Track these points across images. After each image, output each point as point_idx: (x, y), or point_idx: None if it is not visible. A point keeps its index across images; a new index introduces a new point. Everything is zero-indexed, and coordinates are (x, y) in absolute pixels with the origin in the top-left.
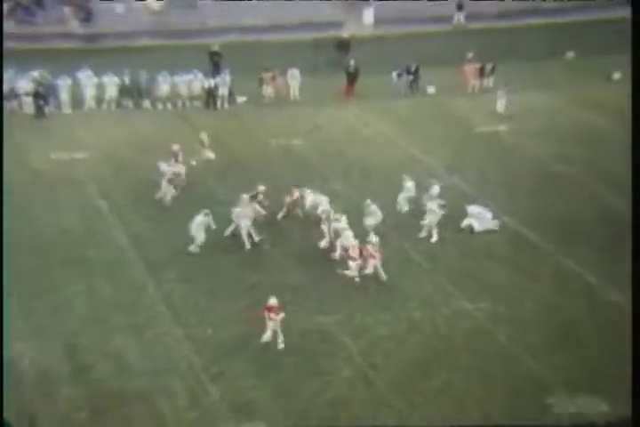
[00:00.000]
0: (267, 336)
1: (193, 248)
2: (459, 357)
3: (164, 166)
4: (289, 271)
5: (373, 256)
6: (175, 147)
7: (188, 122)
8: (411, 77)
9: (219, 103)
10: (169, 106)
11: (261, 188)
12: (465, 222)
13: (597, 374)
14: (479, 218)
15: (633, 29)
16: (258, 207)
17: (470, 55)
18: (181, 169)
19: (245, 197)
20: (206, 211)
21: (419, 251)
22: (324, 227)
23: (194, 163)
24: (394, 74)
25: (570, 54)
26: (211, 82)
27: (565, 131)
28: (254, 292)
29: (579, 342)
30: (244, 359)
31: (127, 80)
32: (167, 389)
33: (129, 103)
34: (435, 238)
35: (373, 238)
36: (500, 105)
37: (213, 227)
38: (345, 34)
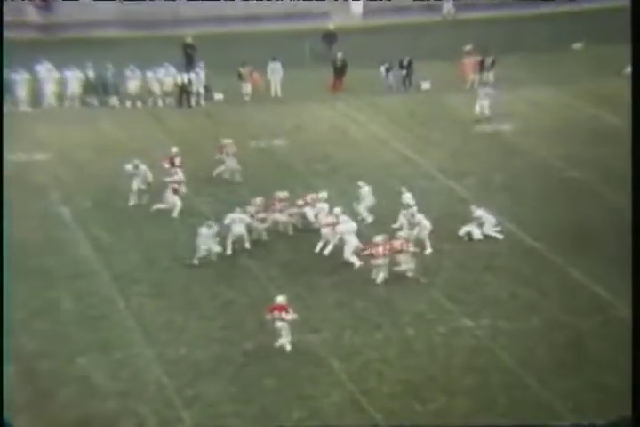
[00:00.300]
0: (281, 340)
1: (209, 253)
2: (458, 379)
3: (129, 169)
4: (269, 285)
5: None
6: (174, 150)
7: (159, 121)
8: (403, 72)
9: (193, 101)
10: (138, 104)
11: (258, 200)
12: (464, 229)
13: (609, 397)
14: (482, 223)
15: (632, 24)
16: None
17: (469, 47)
18: (181, 176)
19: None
20: (209, 222)
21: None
22: (327, 231)
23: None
24: (382, 68)
25: (577, 45)
26: (184, 77)
27: (574, 130)
28: (232, 308)
29: (589, 362)
30: (221, 382)
31: (91, 75)
32: (136, 414)
33: (93, 100)
34: (429, 250)
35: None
36: (480, 106)
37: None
38: (331, 25)
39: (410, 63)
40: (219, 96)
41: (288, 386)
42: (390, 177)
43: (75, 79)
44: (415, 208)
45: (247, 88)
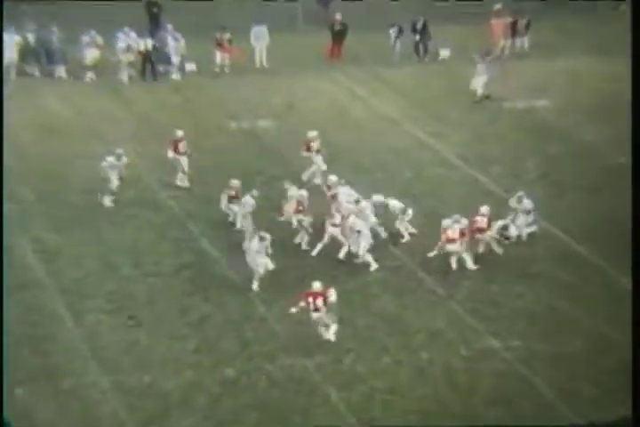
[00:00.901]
0: (323, 333)
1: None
2: (481, 412)
3: (111, 162)
4: (254, 298)
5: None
6: (179, 133)
7: (117, 97)
8: (417, 37)
9: (161, 69)
10: (92, 75)
11: (235, 182)
12: (498, 224)
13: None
14: (520, 215)
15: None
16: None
17: (498, 6)
18: (185, 162)
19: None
20: (262, 233)
21: (429, 271)
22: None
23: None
24: (391, 33)
25: (624, 7)
26: (147, 42)
27: (623, 107)
28: (208, 325)
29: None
30: (193, 417)
31: (32, 39)
32: None
33: (34, 70)
34: (454, 266)
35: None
36: (477, 82)
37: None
38: None
39: (425, 26)
40: (191, 67)
41: (275, 421)
42: (401, 166)
43: (11, 44)
44: (410, 213)
45: (224, 59)
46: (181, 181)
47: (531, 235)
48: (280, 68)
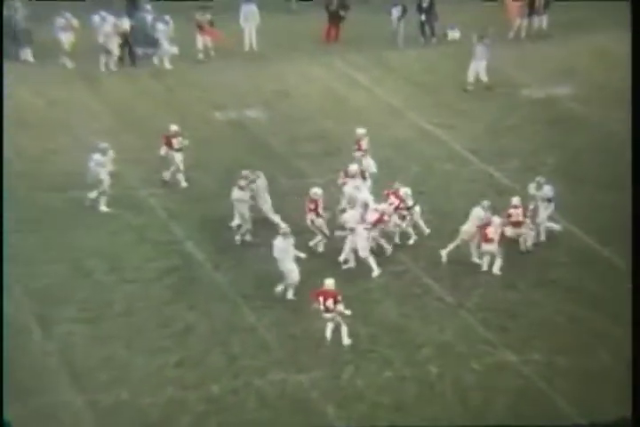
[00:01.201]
0: (328, 334)
1: (290, 294)
2: None
3: (98, 159)
4: (242, 306)
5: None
6: (173, 128)
7: (90, 84)
8: (422, 17)
9: (140, 53)
10: (68, 61)
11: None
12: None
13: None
14: (540, 205)
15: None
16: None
17: None
18: (179, 159)
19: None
20: (284, 229)
21: (436, 277)
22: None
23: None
24: (394, 12)
25: None
26: (125, 23)
27: None
28: (191, 337)
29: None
30: None
31: None
32: None
33: None
34: (485, 268)
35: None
36: (474, 69)
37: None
38: None
39: (431, 5)
40: (173, 50)
41: None
42: (406, 161)
43: None
44: (417, 209)
45: (206, 43)
46: (172, 178)
47: (550, 235)
48: (271, 52)
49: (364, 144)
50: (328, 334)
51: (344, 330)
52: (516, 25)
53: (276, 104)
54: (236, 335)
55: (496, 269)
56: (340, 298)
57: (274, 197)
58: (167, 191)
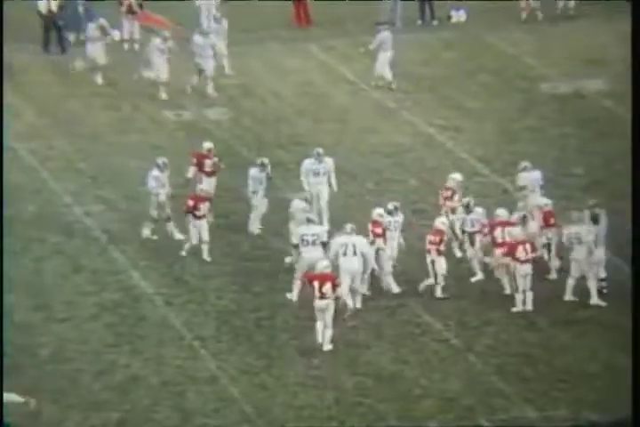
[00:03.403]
0: (319, 328)
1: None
2: None
3: (156, 175)
4: (198, 348)
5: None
6: (207, 145)
7: (11, 79)
8: None
9: (71, 38)
10: None
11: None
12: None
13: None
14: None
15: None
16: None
17: None
18: (211, 184)
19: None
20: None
21: (438, 313)
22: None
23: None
24: None
25: None
26: (51, 2)
27: None
28: (135, 389)
29: None
30: None
31: None
32: None
33: None
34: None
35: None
36: (382, 64)
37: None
38: None
39: None
40: (114, 34)
41: None
42: (401, 173)
43: None
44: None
45: (133, 29)
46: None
47: None
48: (233, 38)
49: (456, 199)
50: (319, 336)
51: (328, 335)
52: (525, 4)
53: (238, 101)
54: (191, 387)
55: (529, 306)
56: (338, 282)
57: (240, 215)
58: (106, 209)
